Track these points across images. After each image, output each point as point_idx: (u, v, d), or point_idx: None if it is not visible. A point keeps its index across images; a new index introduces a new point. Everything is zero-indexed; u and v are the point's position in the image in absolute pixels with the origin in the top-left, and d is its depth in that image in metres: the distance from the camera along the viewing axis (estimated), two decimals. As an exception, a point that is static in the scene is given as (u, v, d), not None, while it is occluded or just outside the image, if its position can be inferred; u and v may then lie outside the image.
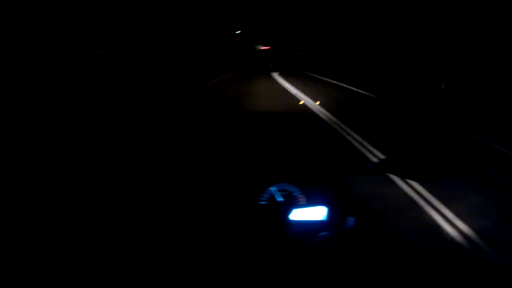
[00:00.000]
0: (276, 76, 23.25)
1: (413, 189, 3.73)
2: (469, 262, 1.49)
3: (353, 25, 31.93)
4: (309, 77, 23.73)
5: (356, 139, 6.43)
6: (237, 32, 40.00)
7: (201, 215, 1.49)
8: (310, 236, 1.35)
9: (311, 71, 29.77)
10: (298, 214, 1.41)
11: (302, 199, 1.43)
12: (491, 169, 4.96)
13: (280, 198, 1.42)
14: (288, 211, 1.40)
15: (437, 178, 4.10)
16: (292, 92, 14.28)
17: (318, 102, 11.18)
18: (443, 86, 11.40)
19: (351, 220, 1.38)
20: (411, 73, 19.93)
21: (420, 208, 3.40)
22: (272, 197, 1.44)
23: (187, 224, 1.52)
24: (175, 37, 21.60)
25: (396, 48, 24.22)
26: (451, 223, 3.11)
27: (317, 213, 1.40)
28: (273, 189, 1.43)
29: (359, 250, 1.31)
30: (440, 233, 2.92)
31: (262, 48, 44.68)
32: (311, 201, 1.42)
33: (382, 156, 5.01)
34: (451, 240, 2.79)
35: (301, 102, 11.34)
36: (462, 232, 2.93)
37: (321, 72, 27.07)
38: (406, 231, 2.40)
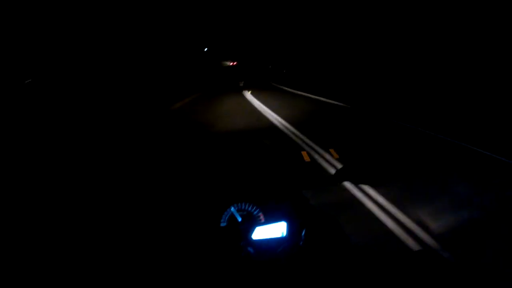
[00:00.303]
0: (249, 96, 19.76)
1: (368, 196, 4.03)
2: (424, 266, 1.31)
3: (324, 33, 31.06)
4: (288, 94, 20.98)
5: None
6: (205, 50, 38.03)
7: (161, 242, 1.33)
8: (272, 253, 1.30)
9: (285, 84, 27.98)
10: (259, 233, 1.34)
11: (261, 217, 1.37)
12: (451, 173, 4.91)
13: (239, 218, 1.36)
14: (249, 231, 1.34)
15: (394, 183, 4.24)
16: (280, 127, 9.52)
17: (336, 155, 6.14)
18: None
19: (303, 232, 1.36)
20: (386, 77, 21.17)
21: (374, 214, 3.64)
22: (232, 218, 1.37)
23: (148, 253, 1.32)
24: (134, 57, 19.54)
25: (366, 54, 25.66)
26: (403, 227, 3.34)
27: (277, 229, 1.35)
28: (229, 209, 1.38)
29: (312, 262, 1.30)
30: (393, 237, 3.17)
31: (230, 64, 42.72)
32: (270, 218, 1.37)
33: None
34: (403, 243, 3.07)
35: (305, 156, 6.20)
36: (415, 235, 3.18)
37: (297, 85, 25.61)
38: (360, 238, 2.78)
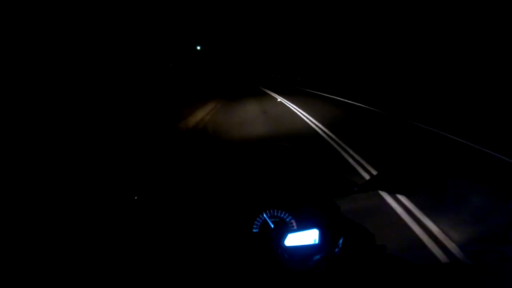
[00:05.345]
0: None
1: (402, 205, 4.10)
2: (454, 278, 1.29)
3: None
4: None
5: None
6: (197, 48, 32.15)
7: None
8: (305, 260, 1.29)
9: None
10: (292, 240, 1.40)
11: (293, 224, 1.42)
12: (485, 182, 4.92)
13: (272, 225, 1.42)
14: (282, 237, 1.39)
15: (428, 192, 4.24)
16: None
17: None
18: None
19: (340, 240, 1.35)
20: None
21: (407, 224, 3.70)
22: (264, 224, 1.42)
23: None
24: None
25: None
26: (435, 239, 3.37)
27: (310, 236, 1.41)
28: (262, 216, 1.43)
29: (348, 270, 1.26)
30: (425, 249, 3.23)
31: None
32: (303, 225, 1.42)
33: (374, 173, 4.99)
34: (434, 255, 3.12)
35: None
36: (445, 248, 3.22)
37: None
38: (394, 248, 2.63)
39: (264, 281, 1.27)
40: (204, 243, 1.39)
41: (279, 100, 18.01)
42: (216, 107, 16.14)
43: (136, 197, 1.58)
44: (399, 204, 4.13)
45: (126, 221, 1.44)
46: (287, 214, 1.43)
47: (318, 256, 1.32)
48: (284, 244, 1.39)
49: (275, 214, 1.43)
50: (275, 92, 23.63)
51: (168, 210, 1.51)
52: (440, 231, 3.50)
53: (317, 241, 1.41)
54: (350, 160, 6.22)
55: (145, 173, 6.07)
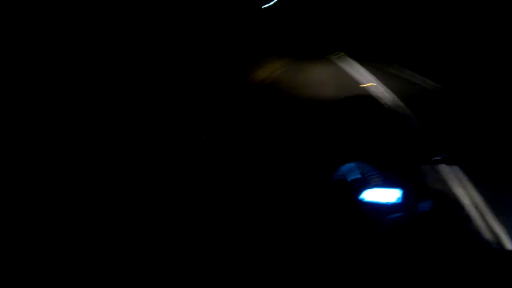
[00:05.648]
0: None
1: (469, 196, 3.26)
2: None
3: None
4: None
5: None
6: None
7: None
8: (380, 217, 1.42)
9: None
10: (371, 194, 1.47)
11: (377, 179, 1.50)
12: None
13: (355, 176, 1.49)
14: (361, 190, 1.48)
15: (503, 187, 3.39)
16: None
17: None
18: None
19: (427, 204, 1.46)
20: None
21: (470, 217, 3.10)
22: (352, 173, 1.48)
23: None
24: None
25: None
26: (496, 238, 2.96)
27: (391, 195, 1.46)
28: (350, 166, 1.51)
29: (433, 234, 1.33)
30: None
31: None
32: (386, 183, 1.48)
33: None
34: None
35: None
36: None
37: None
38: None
39: (340, 228, 1.37)
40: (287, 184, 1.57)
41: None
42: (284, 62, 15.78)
43: (204, 135, 1.72)
44: (467, 195, 3.80)
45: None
46: (373, 169, 1.50)
47: (396, 215, 1.41)
48: (365, 196, 1.47)
49: (362, 166, 1.51)
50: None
51: (239, 151, 1.65)
52: (504, 231, 3.23)
53: (398, 201, 1.45)
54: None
55: (214, 116, 6.39)
